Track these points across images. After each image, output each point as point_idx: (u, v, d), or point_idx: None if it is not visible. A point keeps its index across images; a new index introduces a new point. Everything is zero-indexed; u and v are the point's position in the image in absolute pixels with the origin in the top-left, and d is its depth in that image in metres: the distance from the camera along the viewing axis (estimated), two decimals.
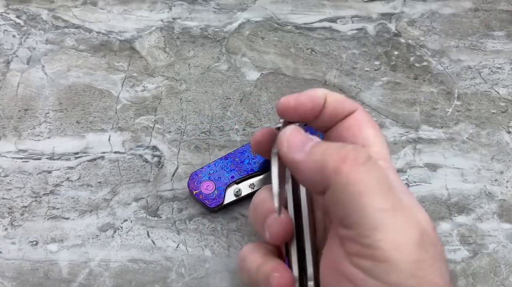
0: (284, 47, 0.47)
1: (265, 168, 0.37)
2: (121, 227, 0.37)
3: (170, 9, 0.49)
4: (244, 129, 0.42)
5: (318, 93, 0.26)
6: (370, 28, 0.48)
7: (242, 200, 0.37)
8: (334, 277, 0.22)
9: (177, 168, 0.39)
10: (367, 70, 0.45)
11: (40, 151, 0.40)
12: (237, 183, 0.37)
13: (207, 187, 0.36)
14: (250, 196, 0.37)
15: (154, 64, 0.45)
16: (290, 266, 0.25)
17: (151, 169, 0.39)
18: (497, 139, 0.42)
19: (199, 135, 0.41)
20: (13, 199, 0.38)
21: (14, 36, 0.47)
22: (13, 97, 0.43)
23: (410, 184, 0.39)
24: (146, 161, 0.40)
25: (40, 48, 0.46)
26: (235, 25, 0.48)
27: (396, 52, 0.46)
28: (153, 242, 0.36)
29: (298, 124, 0.26)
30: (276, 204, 0.24)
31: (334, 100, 0.26)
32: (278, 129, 0.27)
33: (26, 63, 0.45)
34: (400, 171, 0.40)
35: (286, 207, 0.27)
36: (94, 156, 0.40)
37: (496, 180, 0.39)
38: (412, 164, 0.40)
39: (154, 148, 0.40)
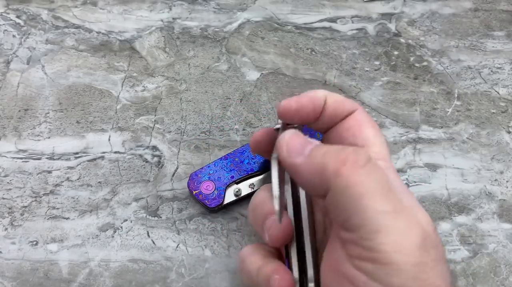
0: (284, 47, 0.47)
1: (264, 168, 0.37)
2: (121, 227, 0.37)
3: (170, 9, 0.49)
4: (244, 129, 0.42)
5: (318, 95, 0.26)
6: (370, 28, 0.48)
7: (242, 200, 0.37)
8: (336, 279, 0.22)
9: (177, 168, 0.39)
10: (367, 70, 0.45)
11: (40, 151, 0.40)
12: (237, 183, 0.37)
13: (207, 187, 0.36)
14: (250, 196, 0.37)
15: (154, 64, 0.45)
16: (290, 267, 0.25)
17: (151, 169, 0.39)
18: (497, 139, 0.42)
19: (199, 135, 0.41)
20: (13, 199, 0.38)
21: (14, 36, 0.47)
22: (13, 97, 0.43)
23: (410, 184, 0.39)
24: (146, 161, 0.40)
25: (40, 48, 0.46)
26: (235, 25, 0.48)
27: (396, 52, 0.47)
28: (153, 242, 0.36)
29: (297, 125, 0.26)
30: (276, 208, 0.24)
31: (334, 101, 0.26)
32: (277, 130, 0.26)
33: (26, 63, 0.45)
34: (400, 171, 0.40)
35: (285, 209, 0.27)
36: (94, 156, 0.40)
37: (496, 180, 0.39)
38: (412, 164, 0.40)
39: (154, 148, 0.40)
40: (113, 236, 0.36)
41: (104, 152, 0.40)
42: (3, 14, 0.48)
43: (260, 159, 0.37)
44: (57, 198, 0.38)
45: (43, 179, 0.39)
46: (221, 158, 0.37)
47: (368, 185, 0.20)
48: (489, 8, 0.50)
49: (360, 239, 0.20)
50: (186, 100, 0.43)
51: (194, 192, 0.36)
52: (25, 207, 0.38)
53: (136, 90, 0.44)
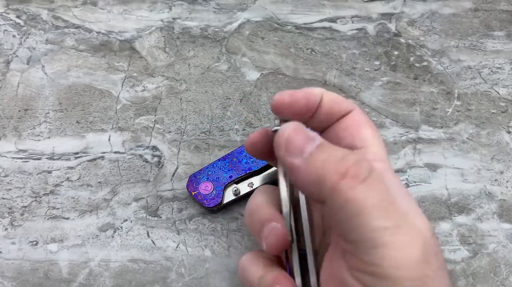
0: (284, 47, 0.47)
1: (263, 167, 0.37)
2: (121, 227, 0.37)
3: (170, 9, 0.49)
4: (244, 129, 0.42)
5: (315, 91, 0.25)
6: (370, 28, 0.48)
7: (242, 200, 0.37)
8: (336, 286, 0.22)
9: (177, 168, 0.39)
10: (367, 70, 0.45)
11: (40, 151, 0.40)
12: (236, 183, 0.37)
13: (206, 188, 0.36)
14: (249, 195, 0.36)
15: (154, 64, 0.45)
16: (291, 272, 0.25)
17: (151, 169, 0.39)
18: (497, 139, 0.42)
19: (199, 135, 0.41)
20: (13, 199, 0.38)
21: (14, 36, 0.47)
22: (13, 97, 0.43)
23: (410, 184, 0.39)
24: (146, 161, 0.40)
25: (40, 48, 0.46)
26: (235, 25, 0.48)
27: (396, 52, 0.46)
28: (153, 242, 0.36)
29: None
30: (287, 228, 0.24)
31: (330, 99, 0.25)
32: (275, 132, 0.26)
33: (26, 63, 0.45)
34: (400, 171, 0.40)
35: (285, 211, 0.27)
36: (94, 156, 0.40)
37: (496, 180, 0.39)
38: (412, 164, 0.40)
39: (154, 148, 0.40)
40: (113, 236, 0.36)
41: (104, 152, 0.40)
42: (3, 14, 0.48)
43: None
44: (57, 198, 0.38)
45: (43, 179, 0.39)
46: (219, 159, 0.37)
47: (367, 201, 0.20)
48: (489, 8, 0.50)
49: (359, 252, 0.20)
50: (186, 100, 0.43)
51: (193, 193, 0.36)
52: (25, 207, 0.38)
53: (136, 90, 0.44)
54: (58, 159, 0.40)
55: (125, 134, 0.41)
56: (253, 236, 0.27)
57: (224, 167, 0.37)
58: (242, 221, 0.37)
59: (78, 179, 0.39)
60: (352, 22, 0.48)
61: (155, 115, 0.42)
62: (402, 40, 0.47)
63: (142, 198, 0.38)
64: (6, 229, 0.37)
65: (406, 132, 0.42)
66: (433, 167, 0.40)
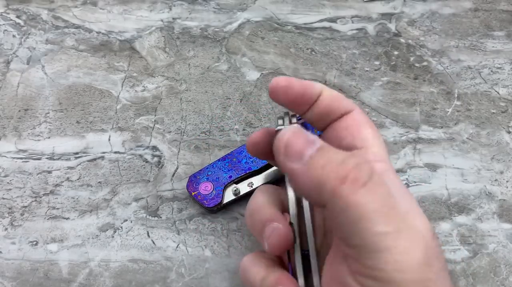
0: (284, 47, 0.47)
1: (263, 167, 0.37)
2: (121, 227, 0.37)
3: (170, 9, 0.49)
4: (244, 129, 0.42)
5: (314, 84, 0.25)
6: (370, 28, 0.48)
7: (242, 199, 0.37)
8: None
9: (177, 168, 0.39)
10: (367, 70, 0.45)
11: (40, 151, 0.40)
12: (236, 183, 0.37)
13: (205, 188, 0.36)
14: (249, 195, 0.36)
15: (154, 64, 0.45)
16: (293, 272, 0.25)
17: (151, 169, 0.39)
18: (497, 139, 0.41)
19: (199, 135, 0.41)
20: (13, 199, 0.38)
21: (14, 36, 0.47)
22: (13, 97, 0.43)
23: (410, 184, 0.39)
24: (146, 161, 0.40)
25: (40, 48, 0.46)
26: (235, 25, 0.48)
27: (396, 52, 0.46)
28: (153, 242, 0.36)
29: (296, 119, 0.26)
30: (296, 229, 0.24)
31: (330, 95, 0.25)
32: (278, 131, 0.26)
33: (26, 63, 0.45)
34: (400, 171, 0.40)
35: (286, 211, 0.27)
36: (94, 156, 0.40)
37: (496, 180, 0.39)
38: (412, 164, 0.40)
39: (154, 148, 0.40)
40: (113, 236, 0.36)
41: (104, 152, 0.40)
42: (3, 14, 0.48)
43: None
44: (57, 198, 0.38)
45: (43, 179, 0.39)
46: (219, 160, 0.37)
47: (368, 206, 0.20)
48: (489, 8, 0.50)
49: (361, 257, 0.20)
50: (186, 100, 0.43)
51: (192, 193, 0.36)
52: (25, 207, 0.38)
53: (136, 90, 0.44)
54: (58, 159, 0.40)
55: (125, 134, 0.41)
56: (254, 236, 0.27)
57: (224, 167, 0.37)
58: (242, 221, 0.37)
59: (78, 179, 0.39)
60: (352, 22, 0.48)
61: (155, 115, 0.42)
62: (402, 40, 0.47)
63: (142, 198, 0.38)
64: (6, 229, 0.37)
65: (406, 132, 0.42)
66: (433, 167, 0.40)
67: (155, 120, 0.42)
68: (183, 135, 0.41)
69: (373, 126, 0.25)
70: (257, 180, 0.37)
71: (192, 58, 0.46)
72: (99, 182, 0.39)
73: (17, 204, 0.38)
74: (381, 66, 0.46)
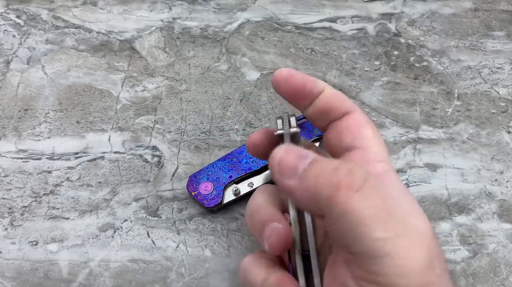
0: (284, 47, 0.47)
1: (263, 167, 0.37)
2: (121, 227, 0.37)
3: (170, 9, 0.49)
4: (244, 129, 0.42)
5: (317, 81, 0.25)
6: (370, 28, 0.48)
7: (242, 200, 0.37)
8: None
9: (177, 168, 0.39)
10: (367, 70, 0.45)
11: (40, 151, 0.40)
12: (236, 183, 0.37)
13: (206, 188, 0.36)
14: (249, 195, 0.36)
15: (154, 64, 0.45)
16: (294, 273, 0.25)
17: (151, 169, 0.39)
18: (497, 139, 0.42)
19: (199, 135, 0.41)
20: (13, 199, 0.38)
21: (14, 36, 0.47)
22: (13, 97, 0.43)
23: (410, 184, 0.39)
24: (146, 161, 0.40)
25: (40, 48, 0.46)
26: (235, 25, 0.48)
27: (396, 52, 0.46)
28: (153, 242, 0.36)
29: (296, 120, 0.26)
30: (297, 231, 0.24)
31: (332, 93, 0.25)
32: (280, 137, 0.26)
33: (26, 63, 0.45)
34: (400, 171, 0.40)
35: (286, 211, 0.27)
36: (94, 156, 0.40)
37: (496, 180, 0.39)
38: (412, 164, 0.40)
39: (154, 148, 0.40)
40: (113, 236, 0.36)
41: (104, 152, 0.40)
42: (3, 14, 0.48)
43: None
44: (57, 198, 0.38)
45: (43, 179, 0.39)
46: (219, 159, 0.37)
47: (364, 212, 0.19)
48: (489, 8, 0.50)
49: (362, 263, 0.20)
50: (186, 100, 0.43)
51: (193, 193, 0.36)
52: (25, 207, 0.38)
53: (136, 90, 0.44)
54: (58, 159, 0.40)
55: (125, 134, 0.41)
56: (254, 236, 0.27)
57: (224, 167, 0.37)
58: (242, 221, 0.37)
59: (78, 179, 0.39)
60: (352, 22, 0.48)
61: (155, 115, 0.42)
62: (402, 40, 0.47)
63: (142, 198, 0.38)
64: (6, 229, 0.37)
65: (406, 132, 0.42)
66: (433, 167, 0.40)
67: (155, 120, 0.42)
68: (183, 135, 0.41)
69: (374, 126, 0.25)
70: (257, 180, 0.37)
71: (192, 58, 0.46)
72: (99, 182, 0.39)
73: (17, 204, 0.38)
74: (381, 66, 0.46)
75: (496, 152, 0.41)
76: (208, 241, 0.36)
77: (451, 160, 0.40)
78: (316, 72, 0.45)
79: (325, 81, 0.44)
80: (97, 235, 0.36)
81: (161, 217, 0.37)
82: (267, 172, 0.37)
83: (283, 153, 0.22)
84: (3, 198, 0.38)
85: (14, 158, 0.40)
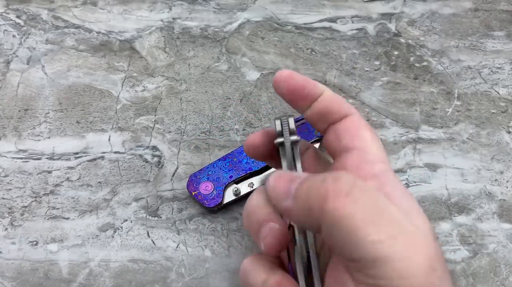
0: (284, 47, 0.47)
1: (263, 167, 0.37)
2: (121, 227, 0.37)
3: (170, 9, 0.49)
4: (244, 129, 0.42)
5: (317, 83, 0.26)
6: (370, 28, 0.48)
7: (242, 200, 0.37)
8: None
9: (177, 168, 0.39)
10: (367, 70, 0.45)
11: (40, 151, 0.40)
12: (236, 183, 0.37)
13: (206, 188, 0.36)
14: (249, 195, 0.36)
15: (154, 64, 0.45)
16: (294, 273, 0.25)
17: (151, 169, 0.39)
18: (497, 139, 0.42)
19: (199, 135, 0.41)
20: (13, 199, 0.38)
21: (14, 36, 0.47)
22: (13, 97, 0.43)
23: (410, 184, 0.39)
24: (146, 161, 0.40)
25: (40, 48, 0.46)
26: (235, 25, 0.48)
27: (396, 52, 0.46)
28: (153, 242, 0.36)
29: (294, 121, 0.26)
30: (297, 243, 0.24)
31: (331, 95, 0.26)
32: (281, 145, 0.26)
33: (26, 63, 0.45)
34: (400, 171, 0.40)
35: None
36: (94, 156, 0.40)
37: (496, 180, 0.39)
38: (412, 164, 0.40)
39: (154, 148, 0.40)
40: (113, 236, 0.36)
41: (104, 152, 0.40)
42: (3, 14, 0.48)
43: None
44: (57, 198, 0.38)
45: (43, 179, 0.39)
46: (219, 159, 0.37)
47: (357, 215, 0.19)
48: (489, 8, 0.50)
49: (362, 268, 0.20)
50: (186, 100, 0.43)
51: (193, 193, 0.36)
52: (25, 207, 0.38)
53: (136, 90, 0.44)
54: (58, 159, 0.40)
55: (125, 134, 0.41)
56: (251, 236, 0.27)
57: (225, 167, 0.37)
58: (242, 221, 0.37)
59: (78, 179, 0.39)
60: (352, 22, 0.48)
61: (155, 115, 0.42)
62: (402, 40, 0.47)
63: (142, 198, 0.38)
64: (6, 229, 0.37)
65: (406, 132, 0.42)
66: (433, 167, 0.40)
67: (155, 120, 0.42)
68: (183, 135, 0.41)
69: (372, 129, 0.26)
70: (258, 181, 0.37)
71: (192, 58, 0.46)
72: (99, 182, 0.39)
73: (17, 204, 0.38)
74: (381, 66, 0.46)
75: (496, 152, 0.41)
76: (208, 241, 0.36)
77: (451, 160, 0.40)
78: (316, 72, 0.45)
79: (325, 81, 0.44)
80: (97, 235, 0.36)
81: (161, 217, 0.37)
82: (268, 172, 0.37)
83: (275, 179, 0.23)
84: (3, 198, 0.38)
85: (14, 158, 0.40)
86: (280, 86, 0.26)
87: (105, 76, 0.44)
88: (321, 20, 0.49)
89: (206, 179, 0.37)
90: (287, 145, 0.26)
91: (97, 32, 0.47)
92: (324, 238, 0.21)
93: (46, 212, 0.37)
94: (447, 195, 0.39)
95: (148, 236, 0.37)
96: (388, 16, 0.49)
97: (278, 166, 0.27)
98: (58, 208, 0.38)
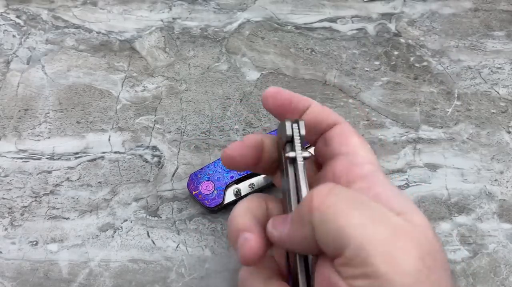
0: (284, 47, 0.47)
1: None
2: (121, 227, 0.37)
3: (170, 9, 0.49)
4: (244, 129, 0.42)
5: (303, 97, 0.27)
6: (370, 28, 0.48)
7: None
8: None
9: (177, 168, 0.39)
10: (367, 70, 0.45)
11: (40, 151, 0.40)
12: (237, 183, 0.37)
13: (207, 188, 0.36)
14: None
15: (154, 64, 0.45)
16: (293, 275, 0.25)
17: (151, 169, 0.39)
18: (497, 139, 0.42)
19: (199, 135, 0.41)
20: (13, 199, 0.38)
21: (14, 36, 0.47)
22: (13, 97, 0.43)
23: (410, 184, 0.39)
24: (146, 161, 0.40)
25: (40, 48, 0.46)
26: (235, 25, 0.48)
27: (396, 52, 0.47)
28: (153, 242, 0.36)
29: (291, 121, 0.26)
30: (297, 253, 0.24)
31: (318, 107, 0.27)
32: (293, 160, 0.25)
33: (26, 63, 0.45)
34: (400, 171, 0.40)
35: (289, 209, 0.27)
36: (94, 156, 0.40)
37: (496, 180, 0.39)
38: (412, 164, 0.40)
39: (154, 148, 0.40)
40: (113, 236, 0.36)
41: (104, 152, 0.40)
42: (3, 14, 0.48)
43: None
44: (57, 198, 0.38)
45: (43, 179, 0.39)
46: (220, 159, 0.37)
47: (340, 204, 0.20)
48: (489, 8, 0.50)
49: (349, 259, 0.20)
50: (186, 100, 0.43)
51: (193, 193, 0.36)
52: (25, 207, 0.38)
53: (136, 90, 0.44)
54: (58, 159, 0.40)
55: (125, 134, 0.41)
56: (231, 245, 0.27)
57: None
58: None
59: (78, 179, 0.39)
60: (352, 22, 0.48)
61: (155, 115, 0.42)
62: (402, 40, 0.47)
63: (142, 198, 0.38)
64: (6, 229, 0.37)
65: (406, 132, 0.42)
66: (433, 167, 0.40)
67: (155, 120, 0.42)
68: (183, 135, 0.41)
69: (360, 136, 0.26)
70: (258, 181, 0.37)
71: (192, 58, 0.46)
72: (99, 182, 0.39)
73: (17, 204, 0.38)
74: (381, 66, 0.46)
75: (496, 152, 0.41)
76: (208, 241, 0.36)
77: (451, 160, 0.40)
78: (316, 72, 0.45)
79: (325, 81, 0.45)
80: (97, 235, 0.36)
81: (161, 217, 0.37)
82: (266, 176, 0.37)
83: (271, 225, 0.24)
84: (3, 198, 0.38)
85: (14, 158, 0.40)
86: (268, 102, 0.27)
87: (105, 76, 0.44)
88: (321, 20, 0.49)
89: (206, 178, 0.37)
90: (300, 163, 0.25)
91: (97, 32, 0.47)
92: (319, 244, 0.21)
93: (46, 212, 0.37)
94: (447, 195, 0.39)
95: (148, 236, 0.37)
96: (388, 16, 0.49)
97: (267, 171, 0.28)
98: (58, 208, 0.38)
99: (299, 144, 0.25)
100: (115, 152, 0.40)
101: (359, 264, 0.19)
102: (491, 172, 0.40)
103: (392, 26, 0.48)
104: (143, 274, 0.35)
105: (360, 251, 0.19)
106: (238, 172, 0.37)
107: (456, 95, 0.44)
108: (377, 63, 0.46)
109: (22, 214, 0.37)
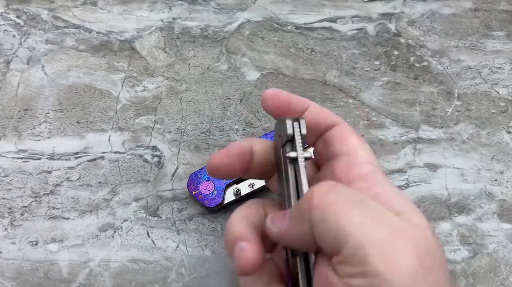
0: (284, 47, 0.47)
1: None
2: (121, 227, 0.37)
3: (170, 9, 0.49)
4: (244, 129, 0.42)
5: (301, 98, 0.27)
6: (370, 28, 0.48)
7: (242, 200, 0.37)
8: None
9: (177, 168, 0.39)
10: (367, 70, 0.45)
11: (40, 151, 0.40)
12: (237, 183, 0.37)
13: (206, 187, 0.36)
14: (249, 196, 0.37)
15: (154, 64, 0.45)
16: (292, 276, 0.24)
17: (151, 169, 0.39)
18: (497, 139, 0.42)
19: (199, 135, 0.41)
20: (13, 199, 0.38)
21: (14, 36, 0.47)
22: (13, 97, 0.43)
23: (410, 184, 0.39)
24: (146, 161, 0.40)
25: (40, 48, 0.46)
26: (235, 25, 0.48)
27: (396, 52, 0.47)
28: (153, 242, 0.36)
29: (292, 119, 0.26)
30: (297, 260, 0.24)
31: (317, 108, 0.27)
32: (294, 160, 0.25)
33: (26, 63, 0.45)
34: (400, 171, 0.40)
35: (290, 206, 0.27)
36: (94, 156, 0.40)
37: (496, 180, 0.39)
38: (412, 164, 0.40)
39: (154, 148, 0.40)
40: (113, 236, 0.36)
41: (104, 152, 0.40)
42: (3, 14, 0.48)
43: None
44: (57, 198, 0.38)
45: (43, 179, 0.39)
46: None
47: (340, 202, 0.20)
48: (489, 8, 0.50)
49: (347, 258, 0.20)
50: (186, 100, 0.43)
51: (193, 193, 0.36)
52: (25, 207, 0.38)
53: (136, 90, 0.44)
54: (58, 159, 0.40)
55: (125, 134, 0.41)
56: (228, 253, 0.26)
57: None
58: None
59: (78, 179, 0.39)
60: (352, 22, 0.48)
61: (155, 115, 0.42)
62: (402, 40, 0.47)
63: (142, 198, 0.38)
64: (6, 229, 0.37)
65: (406, 132, 0.42)
66: (433, 167, 0.40)
67: (155, 120, 0.42)
68: (183, 135, 0.41)
69: (360, 136, 0.26)
70: (258, 181, 0.37)
71: (192, 58, 0.46)
72: (99, 182, 0.39)
73: (17, 204, 0.38)
74: (381, 66, 0.46)
75: (496, 152, 0.41)
76: (208, 241, 0.36)
77: (451, 160, 0.40)
78: (316, 72, 0.45)
79: (325, 81, 0.45)
80: (97, 235, 0.36)
81: (161, 217, 0.37)
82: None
83: (270, 221, 0.24)
84: (3, 198, 0.38)
85: (14, 158, 0.40)
86: (267, 103, 0.27)
87: (105, 76, 0.44)
88: (321, 20, 0.49)
89: (206, 178, 0.37)
90: (301, 164, 0.24)
91: (97, 32, 0.47)
92: (318, 242, 0.21)
93: (46, 212, 0.37)
94: (447, 195, 0.39)
95: (148, 236, 0.37)
96: (388, 16, 0.49)
97: (258, 177, 0.28)
98: (58, 208, 0.38)
99: (300, 144, 0.24)
100: (115, 152, 0.40)
101: (357, 263, 0.19)
102: (491, 172, 0.40)
103: (392, 26, 0.48)
104: (143, 274, 0.35)
105: (358, 249, 0.19)
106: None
107: (456, 95, 0.44)
108: (377, 63, 0.46)
109: (22, 214, 0.37)
